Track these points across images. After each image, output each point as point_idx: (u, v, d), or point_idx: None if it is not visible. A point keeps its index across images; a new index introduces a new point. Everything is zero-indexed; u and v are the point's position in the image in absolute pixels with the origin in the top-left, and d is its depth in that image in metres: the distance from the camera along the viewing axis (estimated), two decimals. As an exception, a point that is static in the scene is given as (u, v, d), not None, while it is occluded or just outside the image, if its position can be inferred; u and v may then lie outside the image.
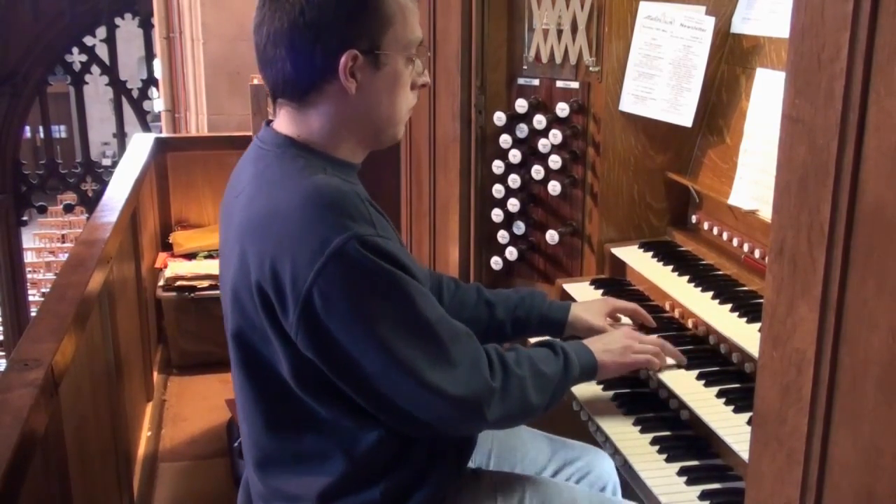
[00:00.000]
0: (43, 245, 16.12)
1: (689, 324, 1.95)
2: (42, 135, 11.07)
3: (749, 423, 1.49)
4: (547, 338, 1.82)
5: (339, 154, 1.52)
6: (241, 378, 1.53)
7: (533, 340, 2.05)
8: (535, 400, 1.55)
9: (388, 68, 1.49)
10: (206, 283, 4.14)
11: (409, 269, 1.42)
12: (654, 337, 1.82)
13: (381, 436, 1.49)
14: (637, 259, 2.22)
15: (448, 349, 1.44)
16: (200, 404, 3.83)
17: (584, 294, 2.19)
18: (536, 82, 2.41)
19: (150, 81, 9.68)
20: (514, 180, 2.45)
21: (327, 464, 1.50)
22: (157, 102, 8.19)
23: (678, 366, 1.78)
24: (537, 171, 2.41)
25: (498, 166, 2.47)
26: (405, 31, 1.50)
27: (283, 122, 1.53)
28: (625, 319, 1.96)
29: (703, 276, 2.02)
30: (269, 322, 1.42)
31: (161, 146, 4.93)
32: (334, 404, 1.46)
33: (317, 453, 1.51)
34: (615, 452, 1.68)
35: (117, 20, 9.62)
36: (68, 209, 11.42)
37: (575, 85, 2.34)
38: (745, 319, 1.80)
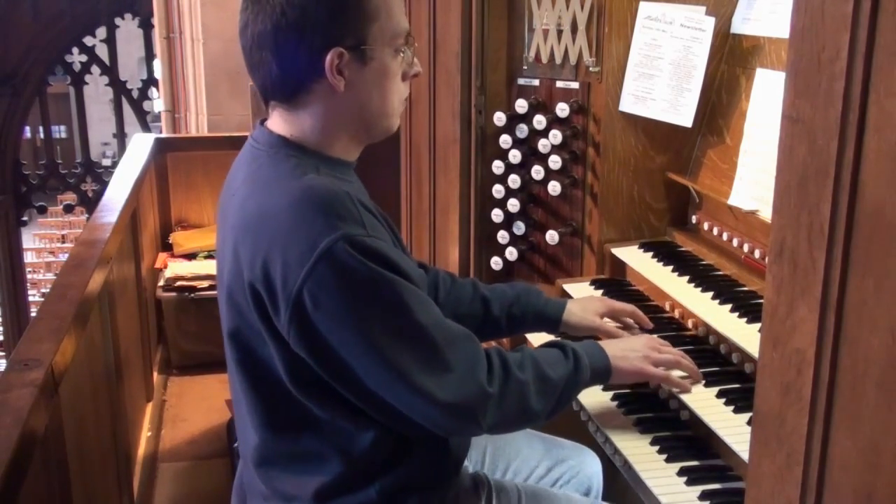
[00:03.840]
0: (43, 245, 16.12)
1: (689, 324, 1.96)
2: (42, 135, 11.06)
3: (749, 423, 1.49)
4: (558, 338, 1.80)
5: (333, 152, 1.52)
6: (239, 378, 1.53)
7: (535, 342, 2.06)
8: (536, 406, 1.52)
9: (376, 63, 1.48)
10: (206, 284, 4.14)
11: (402, 270, 1.40)
12: (675, 349, 1.76)
13: (377, 436, 1.48)
14: (637, 259, 2.22)
15: (442, 353, 1.42)
16: (200, 405, 3.83)
17: (583, 294, 2.19)
18: (536, 82, 2.41)
19: (150, 82, 9.68)
20: (514, 180, 2.45)
21: (324, 463, 1.50)
22: (157, 103, 8.20)
23: (692, 383, 1.72)
24: (537, 172, 2.41)
25: (498, 166, 2.47)
26: (390, 24, 1.49)
27: (276, 121, 1.53)
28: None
29: (703, 277, 2.02)
30: (263, 322, 1.42)
31: (161, 146, 4.93)
32: (330, 404, 1.46)
33: (313, 453, 1.50)
34: (615, 452, 1.68)
35: (117, 20, 9.62)
36: (68, 209, 11.42)
37: (575, 85, 2.34)
38: (745, 319, 1.80)
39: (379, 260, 1.37)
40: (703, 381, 1.73)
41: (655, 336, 1.83)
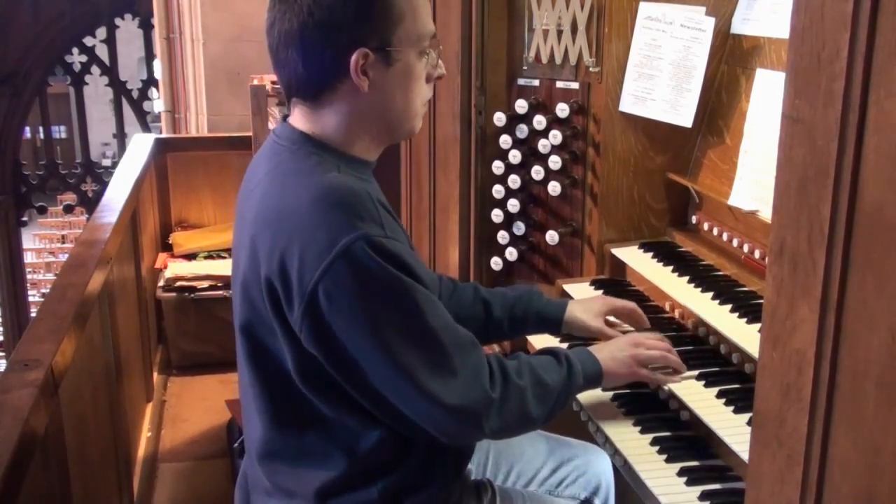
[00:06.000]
0: (43, 245, 16.12)
1: (689, 324, 1.95)
2: (42, 135, 11.06)
3: (749, 423, 1.49)
4: (551, 345, 1.81)
5: (354, 151, 1.53)
6: (248, 371, 1.54)
7: (536, 345, 2.06)
8: (534, 411, 1.54)
9: (401, 64, 1.49)
10: (206, 284, 4.14)
11: (416, 273, 1.41)
12: (661, 342, 1.77)
13: (382, 435, 1.49)
14: (637, 259, 2.22)
15: (450, 358, 1.44)
16: (200, 405, 3.84)
17: (583, 295, 2.19)
18: (536, 83, 2.41)
19: (150, 82, 9.67)
20: (514, 181, 2.45)
21: (328, 461, 1.51)
22: (157, 103, 8.19)
23: (681, 378, 1.74)
24: (537, 172, 2.41)
25: (498, 167, 2.47)
26: (416, 26, 1.49)
27: (299, 118, 1.54)
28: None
29: (703, 277, 2.02)
30: (276, 316, 1.42)
31: (161, 147, 4.93)
32: (337, 402, 1.47)
33: (318, 450, 1.51)
34: (615, 453, 1.68)
35: (117, 21, 9.61)
36: (68, 210, 11.40)
37: (575, 85, 2.34)
38: (745, 320, 1.80)
39: (395, 262, 1.38)
40: (694, 376, 1.74)
41: (638, 334, 1.83)
